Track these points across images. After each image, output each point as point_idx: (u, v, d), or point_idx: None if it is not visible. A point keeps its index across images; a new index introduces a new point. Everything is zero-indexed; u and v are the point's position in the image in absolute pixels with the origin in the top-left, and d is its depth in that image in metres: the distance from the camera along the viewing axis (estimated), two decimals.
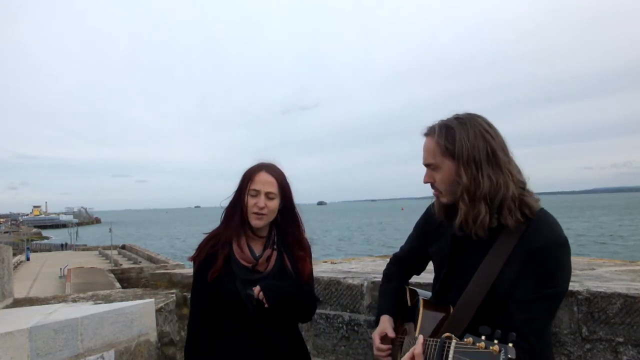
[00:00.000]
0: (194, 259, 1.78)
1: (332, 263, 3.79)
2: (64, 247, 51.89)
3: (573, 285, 2.05)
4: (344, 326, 2.79)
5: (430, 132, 1.40)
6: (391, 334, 1.56)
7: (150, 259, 29.46)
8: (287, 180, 1.79)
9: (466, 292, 1.34)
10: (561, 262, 1.27)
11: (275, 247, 1.79)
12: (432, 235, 1.58)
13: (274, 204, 1.73)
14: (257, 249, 1.77)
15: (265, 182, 1.71)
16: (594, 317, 1.95)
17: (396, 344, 1.56)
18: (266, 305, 1.64)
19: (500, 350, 1.03)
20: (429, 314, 1.42)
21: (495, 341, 1.05)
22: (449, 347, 1.13)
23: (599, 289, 1.97)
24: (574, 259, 3.17)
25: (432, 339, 1.25)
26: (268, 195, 1.71)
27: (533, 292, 1.26)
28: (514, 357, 1.03)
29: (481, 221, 1.30)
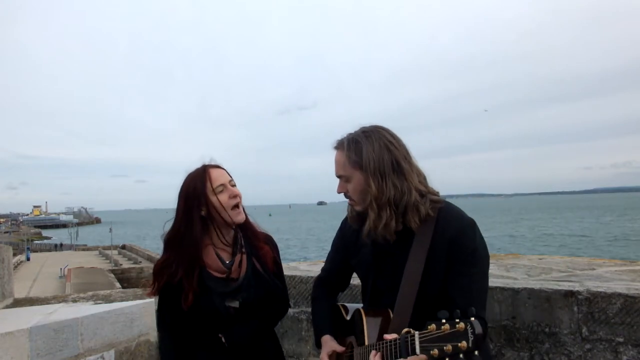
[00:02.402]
0: (152, 294, 1.69)
1: None
2: (58, 247, 50.98)
3: (573, 285, 2.06)
4: None
5: (339, 146, 1.50)
6: (339, 349, 1.59)
7: (150, 259, 29.48)
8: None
9: (400, 293, 1.42)
10: (476, 241, 1.40)
11: (243, 250, 1.72)
12: (352, 248, 1.64)
13: (239, 190, 1.69)
14: (226, 256, 1.69)
15: (222, 175, 1.68)
16: (594, 317, 1.95)
17: (342, 358, 1.60)
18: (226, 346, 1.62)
19: (466, 326, 1.04)
20: (371, 320, 1.47)
21: (457, 320, 1.06)
22: (412, 340, 1.14)
23: (599, 289, 1.97)
24: (574, 259, 3.17)
25: (388, 340, 1.27)
26: (231, 183, 1.68)
27: (464, 275, 1.38)
28: (480, 330, 1.04)
29: (388, 225, 1.41)
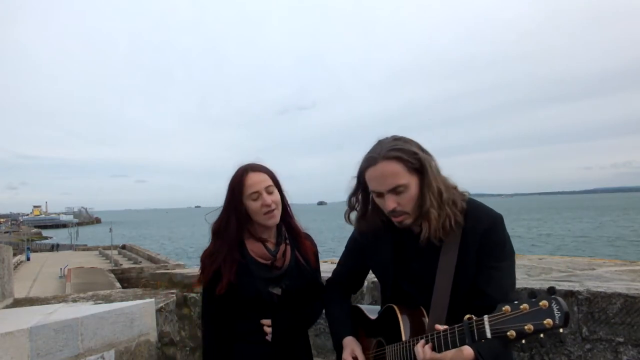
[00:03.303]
0: (199, 281, 1.77)
1: (332, 263, 3.79)
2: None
3: (573, 285, 2.06)
4: None
5: (383, 157, 1.40)
6: (361, 356, 1.56)
7: (151, 259, 29.46)
8: (273, 170, 1.78)
9: (436, 288, 1.40)
10: (505, 235, 1.42)
11: (287, 241, 1.79)
12: (371, 249, 1.62)
13: (277, 196, 1.73)
14: (271, 246, 1.77)
15: (259, 181, 1.70)
16: (594, 317, 1.95)
17: (369, 359, 1.57)
18: (269, 340, 1.67)
19: (550, 303, 0.98)
20: (405, 317, 1.44)
21: (537, 298, 1.00)
22: (480, 324, 1.10)
23: (599, 289, 1.97)
24: (574, 259, 3.17)
25: (439, 331, 1.23)
26: (268, 190, 1.70)
27: (496, 269, 1.38)
28: (566, 307, 0.97)
29: (450, 224, 1.39)
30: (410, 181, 1.39)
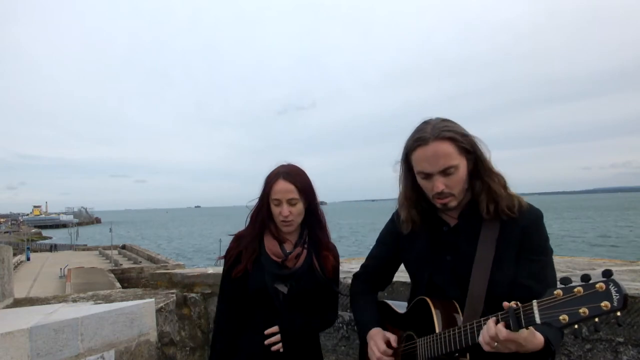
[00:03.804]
0: (223, 258, 1.86)
1: None
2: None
3: None
4: (344, 326, 2.79)
5: (434, 138, 1.36)
6: (394, 342, 1.52)
7: (151, 259, 29.46)
8: (308, 180, 1.79)
9: (472, 280, 1.37)
10: (545, 231, 1.41)
11: (305, 246, 1.81)
12: (405, 242, 1.59)
13: (298, 208, 1.74)
14: (288, 246, 1.80)
15: (284, 191, 1.72)
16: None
17: (398, 353, 1.53)
18: (280, 350, 1.69)
19: (607, 285, 0.94)
20: (438, 311, 1.39)
21: (592, 281, 0.96)
22: (529, 310, 1.06)
23: None
24: (574, 259, 3.17)
25: (512, 308, 1.13)
26: (290, 202, 1.72)
27: (538, 263, 1.36)
28: (625, 289, 0.93)
29: (509, 205, 1.39)
30: (461, 162, 1.38)
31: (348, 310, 2.77)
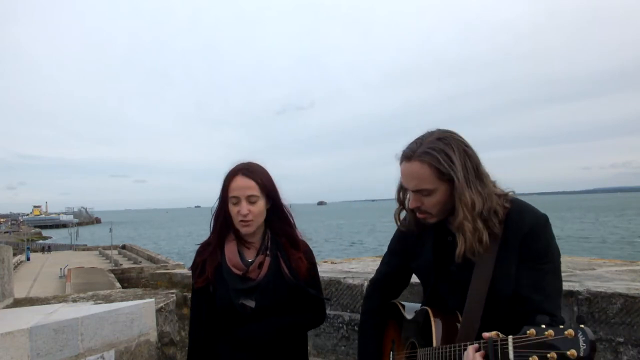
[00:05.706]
0: (191, 268, 1.75)
1: (332, 263, 3.79)
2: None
3: (573, 285, 2.05)
4: (344, 326, 2.79)
5: (417, 157, 1.33)
6: None
7: (151, 259, 29.46)
8: (269, 177, 1.67)
9: (470, 291, 1.34)
10: (550, 237, 1.34)
11: (268, 252, 1.68)
12: (413, 250, 1.57)
13: (258, 206, 1.62)
14: (250, 254, 1.68)
15: (242, 187, 1.59)
16: (594, 317, 1.95)
17: (401, 358, 1.54)
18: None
19: (576, 333, 0.94)
20: (438, 322, 1.39)
21: (563, 325, 0.96)
22: (504, 346, 1.06)
23: (599, 289, 1.97)
24: (574, 259, 3.17)
25: (493, 339, 1.13)
26: (249, 200, 1.60)
27: (537, 272, 1.30)
28: (593, 338, 0.93)
29: (484, 239, 1.32)
30: (439, 187, 1.34)
31: (348, 310, 2.77)
